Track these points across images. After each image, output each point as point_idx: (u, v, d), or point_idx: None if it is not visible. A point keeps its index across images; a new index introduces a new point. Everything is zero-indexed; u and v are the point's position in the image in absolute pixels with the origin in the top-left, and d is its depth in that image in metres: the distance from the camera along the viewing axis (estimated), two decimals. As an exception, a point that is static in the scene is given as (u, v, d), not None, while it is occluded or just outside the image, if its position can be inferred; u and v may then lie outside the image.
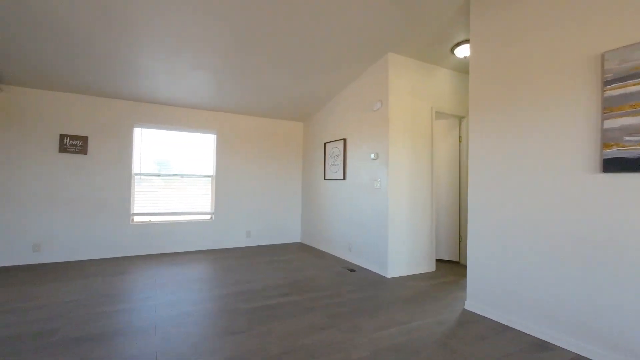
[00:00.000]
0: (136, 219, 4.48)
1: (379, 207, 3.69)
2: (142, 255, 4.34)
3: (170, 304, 2.63)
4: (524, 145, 2.32)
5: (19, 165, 3.82)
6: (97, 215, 4.19)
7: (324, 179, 4.88)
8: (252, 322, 2.32)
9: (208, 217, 4.95)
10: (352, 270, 3.79)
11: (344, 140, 4.40)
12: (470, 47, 2.75)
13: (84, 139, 4.12)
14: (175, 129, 4.70)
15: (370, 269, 3.81)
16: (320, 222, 4.98)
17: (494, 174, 2.51)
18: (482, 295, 2.57)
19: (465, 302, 2.70)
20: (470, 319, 2.46)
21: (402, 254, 3.65)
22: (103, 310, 2.45)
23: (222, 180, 4.99)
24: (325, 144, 4.89)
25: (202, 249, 4.81)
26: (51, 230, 3.96)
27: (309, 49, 3.35)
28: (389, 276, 3.53)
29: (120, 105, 4.34)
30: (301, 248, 5.04)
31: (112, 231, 4.27)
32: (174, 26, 2.86)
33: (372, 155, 3.79)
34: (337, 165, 4.54)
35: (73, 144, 4.07)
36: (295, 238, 5.61)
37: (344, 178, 4.39)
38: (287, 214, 5.54)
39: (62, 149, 4.01)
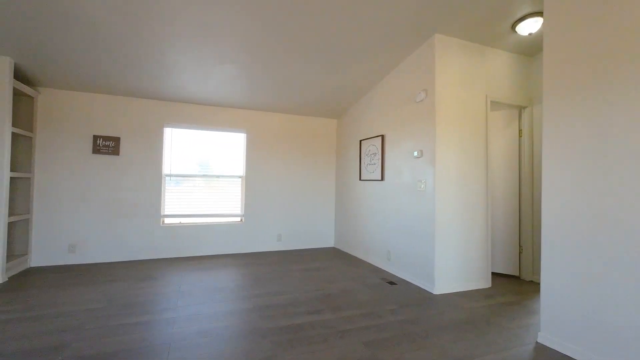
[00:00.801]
0: (166, 220, 4.39)
1: (424, 212, 3.22)
2: (171, 258, 4.23)
3: (190, 318, 2.39)
4: (629, 132, 1.76)
5: (56, 166, 3.86)
6: (129, 217, 4.15)
7: (360, 179, 4.47)
8: (277, 347, 1.99)
9: (238, 219, 4.75)
10: (392, 283, 3.35)
11: (382, 136, 3.96)
12: (545, 15, 2.21)
13: (116, 140, 4.10)
14: (205, 129, 4.56)
15: (413, 282, 3.34)
16: (356, 227, 4.58)
17: (580, 172, 1.96)
18: (561, 326, 2.03)
19: (539, 333, 2.16)
20: (549, 358, 1.94)
21: (452, 266, 3.14)
22: (119, 323, 2.27)
23: (253, 181, 4.78)
24: (360, 141, 4.48)
25: (232, 252, 4.63)
26: (85, 231, 3.96)
27: (343, 35, 2.98)
28: (436, 292, 3.05)
29: (150, 104, 4.27)
30: (335, 254, 4.67)
31: (143, 233, 4.21)
32: (198, 16, 2.63)
33: (416, 153, 3.33)
34: (374, 164, 4.11)
35: (106, 145, 4.05)
36: (329, 243, 5.26)
37: (382, 179, 3.95)
38: (320, 217, 5.21)
39: (96, 150, 4.00)
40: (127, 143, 4.15)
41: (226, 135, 4.70)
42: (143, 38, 2.92)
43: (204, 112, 4.52)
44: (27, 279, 3.24)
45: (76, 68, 3.41)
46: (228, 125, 4.65)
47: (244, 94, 4.20)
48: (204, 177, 4.58)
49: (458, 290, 3.14)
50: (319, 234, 5.19)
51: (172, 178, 4.42)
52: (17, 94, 3.57)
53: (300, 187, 5.07)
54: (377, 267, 3.97)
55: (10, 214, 3.58)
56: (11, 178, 3.64)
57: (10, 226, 3.66)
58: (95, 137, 4.00)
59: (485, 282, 3.29)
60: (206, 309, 2.57)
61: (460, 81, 3.22)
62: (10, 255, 3.60)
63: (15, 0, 2.42)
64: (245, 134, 4.77)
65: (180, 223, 4.45)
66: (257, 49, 3.16)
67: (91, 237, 3.99)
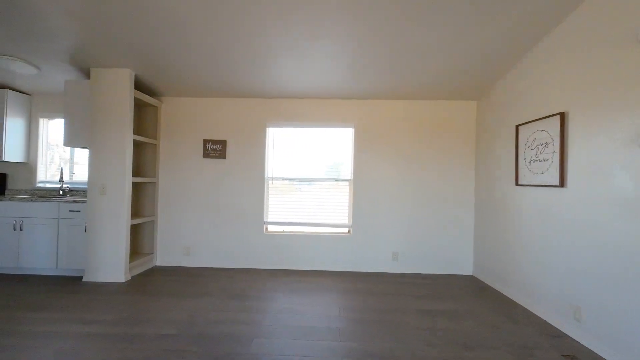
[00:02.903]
0: (270, 228, 4.05)
1: (673, 252, 1.65)
2: (271, 270, 3.84)
3: (255, 379, 1.74)
4: None
5: (174, 171, 4.01)
6: (234, 223, 3.98)
7: (517, 184, 3.00)
8: None
9: (345, 230, 4.00)
10: (590, 370, 1.89)
11: (561, 115, 2.44)
12: None
13: (223, 143, 3.99)
14: (308, 125, 3.99)
15: (641, 379, 1.79)
16: (509, 254, 3.11)
17: None
18: None
19: None
20: None
21: None
22: (176, 369, 1.82)
23: (362, 185, 3.94)
24: (517, 127, 3.00)
25: (336, 269, 3.90)
26: (197, 235, 3.99)
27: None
28: None
29: (252, 104, 3.99)
30: (474, 289, 3.32)
31: (246, 240, 3.97)
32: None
33: (647, 137, 1.77)
34: (545, 161, 2.61)
35: (214, 149, 4.00)
36: (465, 269, 3.88)
37: (562, 184, 2.43)
38: (452, 234, 3.90)
39: (205, 154, 3.99)
40: (233, 146, 4.00)
41: (331, 132, 4.02)
42: (228, 29, 2.50)
43: (305, 107, 3.97)
44: (142, 281, 3.35)
45: (184, 75, 3.38)
46: (333, 120, 3.96)
47: (348, 77, 3.40)
48: (307, 181, 4.03)
49: None
50: (450, 256, 3.89)
51: (274, 182, 4.05)
52: (142, 104, 3.83)
53: (424, 192, 3.91)
54: (551, 325, 2.47)
55: (140, 215, 3.88)
56: (140, 183, 3.96)
57: (141, 227, 3.98)
58: (205, 142, 3.99)
59: None
60: (280, 365, 1.87)
61: None
62: (140, 254, 3.91)
63: (135, 18, 2.45)
64: (353, 129, 3.98)
65: (283, 231, 4.04)
66: (360, 11, 2.29)
67: (202, 241, 3.99)
